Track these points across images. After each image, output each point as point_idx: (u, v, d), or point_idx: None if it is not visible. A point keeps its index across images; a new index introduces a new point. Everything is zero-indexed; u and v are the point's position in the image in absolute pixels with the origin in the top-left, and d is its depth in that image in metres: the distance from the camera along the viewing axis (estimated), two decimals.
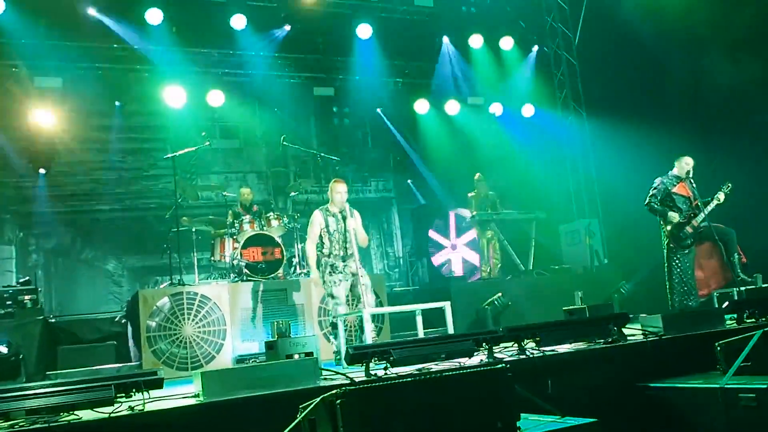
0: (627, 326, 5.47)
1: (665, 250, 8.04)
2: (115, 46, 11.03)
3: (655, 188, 8.03)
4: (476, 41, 12.93)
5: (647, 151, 9.50)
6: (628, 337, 5.32)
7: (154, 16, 10.66)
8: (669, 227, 7.95)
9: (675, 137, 9.31)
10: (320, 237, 6.95)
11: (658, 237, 8.16)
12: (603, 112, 11.68)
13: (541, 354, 4.83)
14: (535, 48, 13.45)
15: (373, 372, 4.51)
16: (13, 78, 10.70)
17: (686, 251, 7.94)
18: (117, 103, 11.58)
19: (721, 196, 7.82)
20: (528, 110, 13.34)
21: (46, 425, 3.48)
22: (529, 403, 3.74)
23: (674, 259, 7.94)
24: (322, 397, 2.95)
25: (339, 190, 6.96)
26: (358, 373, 4.53)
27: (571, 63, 12.98)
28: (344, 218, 6.90)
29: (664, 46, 10.28)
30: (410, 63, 13.34)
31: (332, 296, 6.79)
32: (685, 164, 8.03)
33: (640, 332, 5.44)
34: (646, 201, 8.05)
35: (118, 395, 3.98)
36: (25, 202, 11.12)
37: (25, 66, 10.59)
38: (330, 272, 6.84)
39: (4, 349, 7.30)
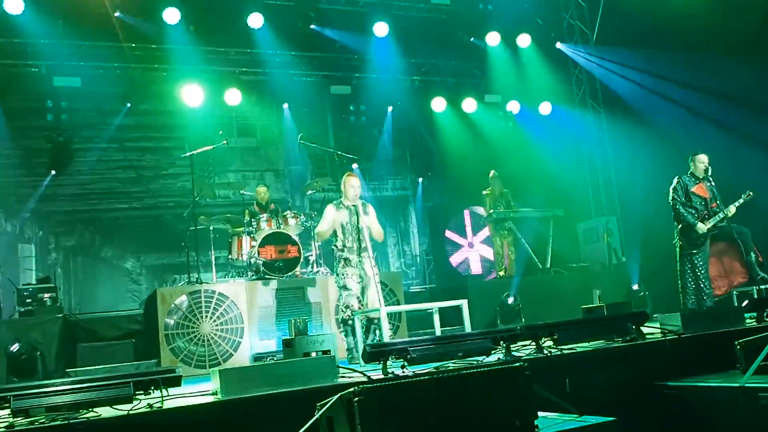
0: (646, 325, 5.43)
1: (677, 249, 7.95)
2: (132, 45, 11.10)
3: (675, 187, 7.91)
4: (493, 39, 12.87)
5: (665, 149, 9.43)
6: (647, 336, 5.28)
7: (171, 15, 10.71)
8: (681, 226, 7.86)
9: (693, 135, 9.23)
10: (334, 231, 6.94)
11: (673, 237, 8.08)
12: (621, 110, 11.60)
13: (559, 352, 4.81)
14: (552, 45, 13.36)
15: (390, 370, 4.51)
16: (33, 78, 10.82)
17: (698, 251, 7.83)
18: (128, 104, 11.64)
19: (736, 205, 7.73)
20: (545, 108, 13.27)
21: (66, 422, 3.51)
22: (546, 401, 3.72)
23: (687, 258, 7.84)
24: (339, 395, 2.96)
25: (352, 184, 6.93)
26: (375, 372, 4.53)
27: (588, 60, 12.88)
28: (357, 213, 6.88)
29: (683, 42, 10.18)
30: (427, 61, 13.31)
31: (345, 287, 6.78)
32: (699, 162, 7.91)
33: (659, 331, 5.39)
34: (672, 203, 7.91)
35: (137, 392, 4.01)
36: (44, 201, 11.23)
37: (44, 66, 10.71)
38: (344, 265, 6.83)
39: (15, 347, 7.38)
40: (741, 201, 7.73)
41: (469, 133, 13.35)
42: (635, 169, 10.81)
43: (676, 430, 4.49)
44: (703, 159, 7.93)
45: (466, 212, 12.84)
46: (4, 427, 3.44)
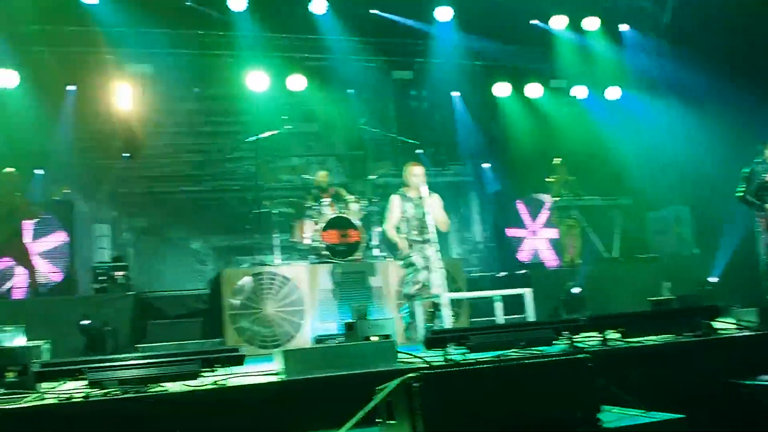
0: (719, 319, 5.24)
1: (758, 238, 7.65)
2: (200, 32, 11.32)
3: (745, 178, 7.60)
4: (560, 22, 12.58)
5: (741, 136, 9.05)
6: (720, 331, 5.10)
7: (237, 2, 10.89)
8: (761, 216, 7.55)
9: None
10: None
11: (752, 226, 7.77)
12: (692, 96, 11.19)
13: (625, 345, 4.69)
14: (622, 28, 12.97)
15: (450, 357, 4.50)
16: (108, 65, 11.15)
17: None
18: (195, 89, 11.86)
19: None
20: (613, 93, 12.92)
21: (137, 395, 3.64)
22: (610, 394, 3.64)
23: None
24: (400, 379, 2.95)
25: (415, 173, 6.87)
26: (435, 358, 4.52)
27: (660, 43, 12.47)
28: (422, 206, 6.78)
29: (759, 24, 9.74)
30: (490, 45, 13.11)
31: (411, 264, 6.73)
32: None
33: (733, 326, 5.20)
34: (738, 192, 7.63)
35: (203, 369, 4.11)
36: (119, 183, 11.62)
37: (118, 53, 11.02)
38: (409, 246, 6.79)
39: (86, 321, 7.68)
40: None
41: (533, 119, 13.12)
42: (709, 157, 10.42)
43: (749, 431, 4.32)
44: None
45: (547, 201, 12.29)
46: (82, 397, 3.60)
